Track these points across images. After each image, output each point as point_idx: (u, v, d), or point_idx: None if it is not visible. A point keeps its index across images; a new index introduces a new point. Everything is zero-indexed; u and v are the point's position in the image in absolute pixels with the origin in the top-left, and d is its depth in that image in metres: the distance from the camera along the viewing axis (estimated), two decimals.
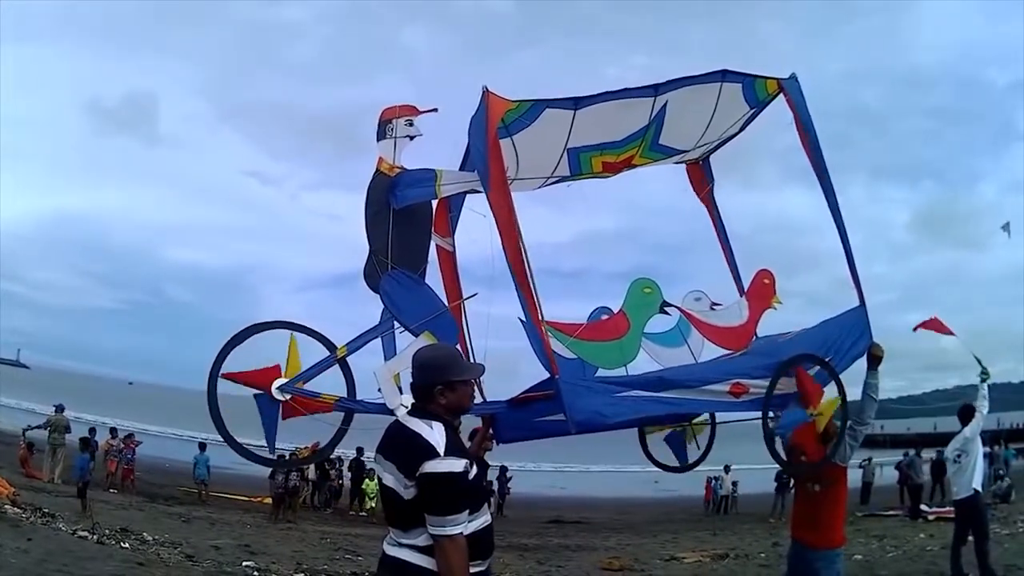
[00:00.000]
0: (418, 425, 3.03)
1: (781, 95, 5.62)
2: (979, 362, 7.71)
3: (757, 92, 5.58)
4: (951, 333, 7.08)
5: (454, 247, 5.65)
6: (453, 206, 5.58)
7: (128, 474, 19.25)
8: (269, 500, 18.00)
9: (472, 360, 4.80)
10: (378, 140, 4.99)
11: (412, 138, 4.98)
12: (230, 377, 4.59)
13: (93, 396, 55.70)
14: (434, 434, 2.98)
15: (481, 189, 4.86)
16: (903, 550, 11.11)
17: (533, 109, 4.97)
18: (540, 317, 4.71)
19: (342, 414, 4.78)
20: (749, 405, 5.18)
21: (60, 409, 18.40)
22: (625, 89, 5.05)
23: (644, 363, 5.49)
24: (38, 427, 18.42)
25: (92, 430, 18.63)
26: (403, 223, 4.94)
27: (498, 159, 4.75)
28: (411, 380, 3.30)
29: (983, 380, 7.77)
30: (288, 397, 4.59)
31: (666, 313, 5.68)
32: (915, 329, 7.07)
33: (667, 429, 5.97)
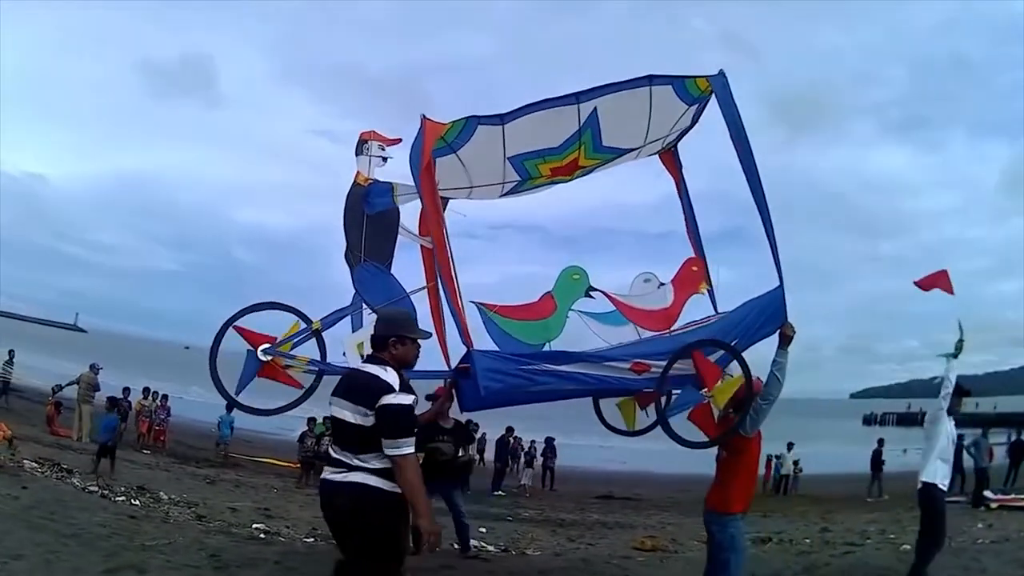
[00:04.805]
0: (375, 369, 3.73)
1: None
2: (960, 329, 6.50)
3: (690, 91, 5.93)
4: (950, 292, 6.52)
5: (432, 245, 6.33)
6: None
7: (160, 435, 19.24)
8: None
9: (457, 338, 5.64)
10: (356, 155, 6.25)
11: (384, 160, 6.25)
12: (240, 330, 5.73)
13: (146, 360, 56.80)
14: (389, 375, 3.67)
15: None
16: (955, 542, 10.21)
17: (467, 127, 5.75)
18: (460, 305, 5.65)
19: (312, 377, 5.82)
20: (648, 382, 5.73)
21: (94, 368, 18.35)
22: (546, 100, 5.66)
23: (579, 340, 6.34)
24: (68, 384, 18.37)
25: (126, 390, 18.53)
26: (375, 226, 6.14)
27: (430, 178, 5.69)
28: (372, 331, 4.06)
29: (956, 352, 6.44)
30: (269, 359, 5.67)
31: (591, 297, 6.47)
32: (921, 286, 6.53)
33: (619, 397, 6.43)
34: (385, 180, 6.24)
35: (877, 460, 20.52)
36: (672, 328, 6.31)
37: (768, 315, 5.64)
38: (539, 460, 22.44)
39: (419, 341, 4.01)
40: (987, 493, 15.63)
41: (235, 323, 5.76)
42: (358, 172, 6.19)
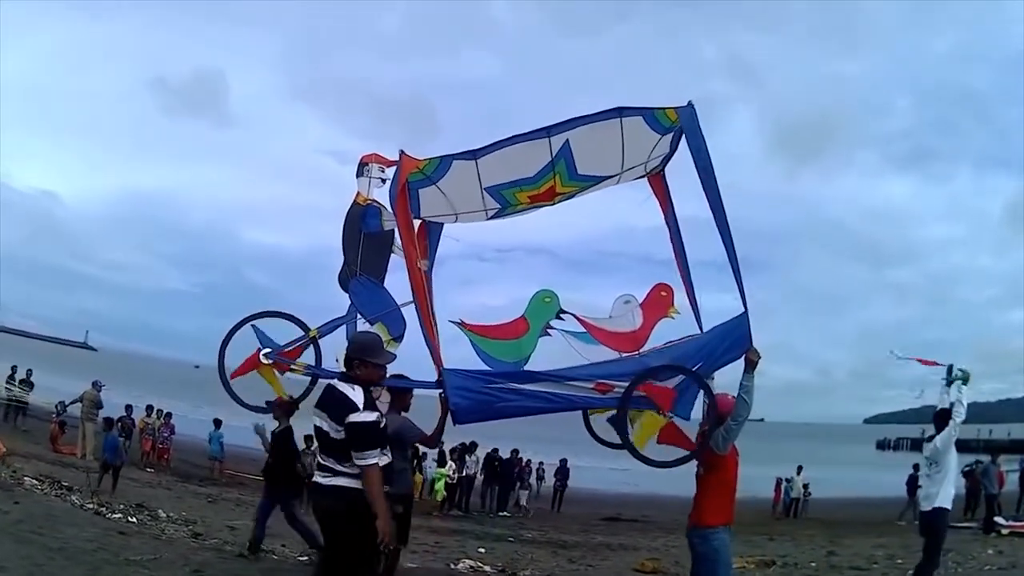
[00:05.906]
0: (345, 388, 4.27)
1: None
2: (962, 373, 6.93)
3: (661, 121, 5.99)
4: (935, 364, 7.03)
5: (427, 268, 6.73)
6: (431, 234, 6.90)
7: (163, 453, 19.20)
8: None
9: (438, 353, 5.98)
10: (357, 176, 6.69)
11: (384, 181, 6.57)
12: (237, 375, 6.17)
13: (156, 379, 56.87)
14: (357, 395, 4.21)
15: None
16: (964, 568, 10.02)
17: (442, 164, 6.09)
18: (435, 329, 6.11)
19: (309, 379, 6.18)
20: (612, 400, 5.89)
21: (97, 385, 18.33)
22: (517, 135, 5.91)
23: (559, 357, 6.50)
24: (72, 403, 18.35)
25: (128, 407, 18.51)
26: (371, 243, 6.57)
27: (404, 209, 6.07)
28: (345, 352, 4.65)
29: (964, 382, 6.80)
30: (271, 361, 6.09)
31: (561, 318, 6.67)
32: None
33: (609, 412, 6.39)
34: (383, 201, 6.60)
35: (913, 485, 20.33)
36: (640, 350, 6.51)
37: (733, 340, 5.79)
38: (549, 481, 22.22)
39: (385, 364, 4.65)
40: (998, 519, 15.38)
41: (251, 324, 6.21)
42: (358, 192, 6.66)
